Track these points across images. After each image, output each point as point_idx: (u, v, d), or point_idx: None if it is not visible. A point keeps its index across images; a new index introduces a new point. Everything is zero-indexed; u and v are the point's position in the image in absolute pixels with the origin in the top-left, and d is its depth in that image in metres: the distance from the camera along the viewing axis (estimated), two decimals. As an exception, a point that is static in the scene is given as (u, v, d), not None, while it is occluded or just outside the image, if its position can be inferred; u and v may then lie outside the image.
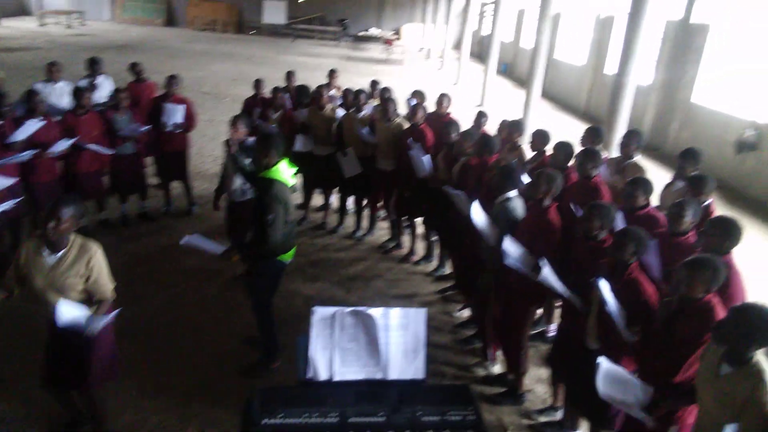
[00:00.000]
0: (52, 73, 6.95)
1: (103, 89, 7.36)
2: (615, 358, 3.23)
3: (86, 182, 6.29)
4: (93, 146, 6.07)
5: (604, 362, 3.09)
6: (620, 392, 3.03)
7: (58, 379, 3.48)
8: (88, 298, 3.33)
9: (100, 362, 3.47)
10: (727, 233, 3.44)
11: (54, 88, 6.88)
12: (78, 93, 6.16)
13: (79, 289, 3.26)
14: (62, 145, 5.65)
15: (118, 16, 32.71)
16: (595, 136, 5.64)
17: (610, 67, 14.84)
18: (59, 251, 3.20)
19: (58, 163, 6.00)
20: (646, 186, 4.30)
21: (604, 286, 3.22)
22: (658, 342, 3.09)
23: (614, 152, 5.99)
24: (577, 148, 5.11)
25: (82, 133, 6.00)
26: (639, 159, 5.50)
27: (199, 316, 5.27)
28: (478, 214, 4.40)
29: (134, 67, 7.60)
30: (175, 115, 6.75)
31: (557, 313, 5.14)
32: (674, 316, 3.03)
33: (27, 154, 5.27)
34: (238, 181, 5.21)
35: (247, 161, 4.63)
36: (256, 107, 7.29)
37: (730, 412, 2.54)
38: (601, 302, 3.26)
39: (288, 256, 4.43)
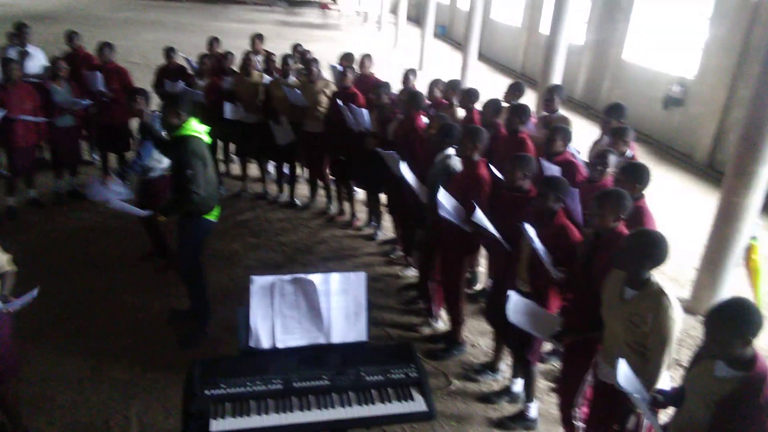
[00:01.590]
0: None
1: (35, 59, 6.97)
2: (543, 297, 3.52)
3: (20, 157, 6.02)
4: (27, 117, 5.79)
5: (513, 295, 3.33)
6: (530, 321, 3.29)
7: None
8: None
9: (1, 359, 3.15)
10: (636, 177, 3.69)
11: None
12: (6, 63, 5.81)
13: None
14: None
15: (34, -17, 30.66)
16: (515, 90, 5.97)
17: (545, 28, 15.05)
18: None
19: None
20: (564, 133, 4.61)
21: (531, 230, 3.39)
22: (579, 277, 3.28)
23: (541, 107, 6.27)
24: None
25: (14, 106, 5.69)
26: (565, 113, 5.73)
27: (133, 293, 5.13)
28: (407, 173, 4.51)
29: (71, 37, 7.24)
30: (98, 85, 6.48)
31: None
32: (591, 249, 3.22)
33: None
34: (147, 157, 5.01)
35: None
36: (167, 76, 7.11)
37: (636, 333, 2.74)
38: (532, 250, 3.42)
39: (213, 216, 4.38)
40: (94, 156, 7.83)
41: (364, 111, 5.71)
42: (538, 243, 3.37)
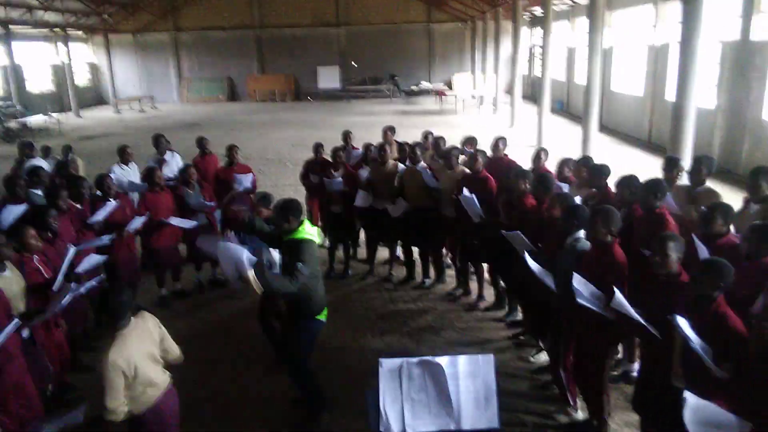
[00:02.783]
0: (125, 155, 7.51)
1: (172, 165, 7.82)
2: (705, 397, 2.96)
3: (165, 255, 6.64)
4: (175, 220, 6.44)
5: (690, 398, 2.85)
6: (714, 430, 2.79)
7: None
8: None
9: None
10: None
11: (129, 168, 7.41)
12: (150, 172, 6.56)
13: None
14: (137, 222, 6.01)
15: (184, 96, 34.90)
16: (673, 165, 5.53)
17: (670, 94, 14.49)
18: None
19: (136, 240, 6.38)
20: (725, 211, 4.11)
21: (683, 323, 3.03)
22: (754, 377, 2.87)
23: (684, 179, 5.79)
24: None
25: (159, 209, 6.38)
26: (710, 184, 5.28)
27: (272, 378, 5.33)
28: (531, 262, 4.34)
29: (200, 142, 8.02)
30: (245, 182, 7.10)
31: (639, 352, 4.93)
32: (765, 350, 2.82)
33: (105, 238, 5.63)
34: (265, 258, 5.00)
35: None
36: (315, 169, 7.54)
37: None
38: (684, 339, 3.07)
39: (323, 316, 4.57)
40: None
41: (473, 198, 5.75)
42: (695, 339, 3.01)
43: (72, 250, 4.67)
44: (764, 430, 2.77)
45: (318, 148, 7.78)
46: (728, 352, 2.99)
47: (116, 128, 23.82)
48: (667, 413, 3.42)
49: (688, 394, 2.86)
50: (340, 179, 7.02)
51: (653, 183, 4.68)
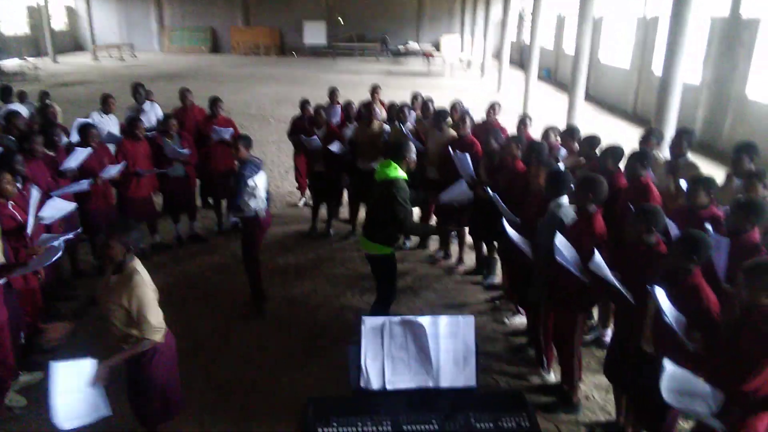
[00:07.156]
0: (108, 105, 7.33)
1: (150, 115, 7.68)
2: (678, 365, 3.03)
3: (139, 206, 6.56)
4: (146, 171, 6.38)
5: (668, 365, 2.87)
6: (687, 398, 2.83)
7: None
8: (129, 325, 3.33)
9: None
10: None
11: (109, 118, 7.25)
12: (132, 122, 6.44)
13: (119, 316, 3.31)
14: (113, 170, 5.92)
15: (166, 46, 34.00)
16: (652, 137, 5.61)
17: (657, 68, 14.50)
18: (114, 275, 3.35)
19: (112, 190, 6.30)
20: (708, 184, 4.15)
21: (660, 294, 3.06)
22: (722, 350, 2.93)
23: (665, 152, 5.87)
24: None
25: (136, 160, 6.29)
26: (690, 157, 5.36)
27: (250, 334, 5.38)
28: (510, 230, 4.42)
29: (183, 94, 7.86)
30: (223, 134, 7.00)
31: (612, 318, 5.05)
32: (739, 323, 2.87)
33: (84, 183, 5.55)
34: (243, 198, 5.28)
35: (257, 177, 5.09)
36: (303, 127, 7.46)
37: None
38: (658, 310, 3.11)
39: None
40: (210, 200, 8.35)
41: (466, 157, 5.69)
42: (670, 311, 3.04)
43: (36, 193, 4.57)
44: (736, 401, 2.81)
45: (305, 105, 7.70)
46: (699, 324, 3.05)
47: (94, 76, 23.19)
48: (636, 379, 3.53)
49: (666, 362, 2.88)
50: (316, 137, 6.96)
51: (639, 153, 4.77)
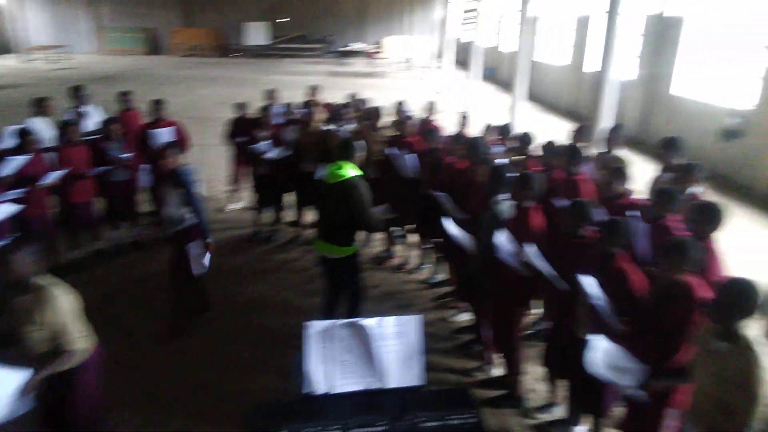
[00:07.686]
0: (44, 108, 6.96)
1: (91, 118, 7.40)
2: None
3: (80, 213, 6.33)
4: (93, 170, 6.22)
5: (600, 341, 3.12)
6: (618, 372, 3.09)
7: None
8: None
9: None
10: (707, 218, 3.57)
11: (45, 122, 6.91)
12: (65, 127, 6.21)
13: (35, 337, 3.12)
14: (52, 177, 5.70)
15: (101, 47, 32.82)
16: (583, 133, 5.86)
17: (593, 65, 14.99)
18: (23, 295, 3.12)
19: (51, 197, 6.05)
20: (618, 174, 4.48)
21: (587, 282, 3.28)
22: (647, 327, 3.16)
23: (600, 148, 6.16)
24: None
25: (74, 164, 6.06)
26: (624, 152, 5.62)
27: (194, 341, 5.27)
28: (450, 226, 4.56)
29: (123, 96, 7.63)
30: (161, 137, 6.79)
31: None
32: (660, 300, 3.11)
33: (18, 192, 5.32)
34: (173, 209, 4.99)
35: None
36: (240, 129, 7.35)
37: (725, 388, 2.61)
38: (587, 297, 3.32)
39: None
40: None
41: (410, 157, 5.77)
42: (598, 297, 3.26)
43: None
44: (661, 373, 3.08)
45: (241, 106, 7.68)
46: (626, 306, 3.27)
47: (25, 79, 22.16)
48: (572, 362, 3.67)
49: (597, 338, 3.12)
50: (270, 142, 6.87)
51: (571, 150, 5.05)
